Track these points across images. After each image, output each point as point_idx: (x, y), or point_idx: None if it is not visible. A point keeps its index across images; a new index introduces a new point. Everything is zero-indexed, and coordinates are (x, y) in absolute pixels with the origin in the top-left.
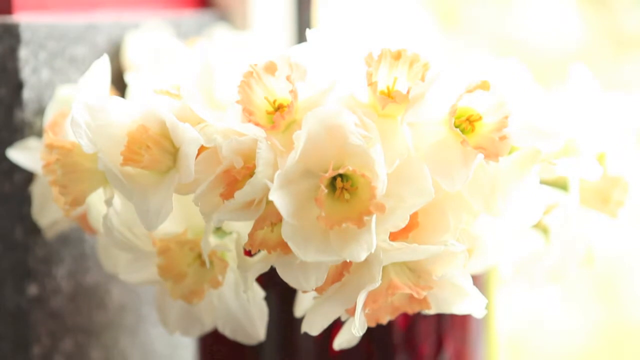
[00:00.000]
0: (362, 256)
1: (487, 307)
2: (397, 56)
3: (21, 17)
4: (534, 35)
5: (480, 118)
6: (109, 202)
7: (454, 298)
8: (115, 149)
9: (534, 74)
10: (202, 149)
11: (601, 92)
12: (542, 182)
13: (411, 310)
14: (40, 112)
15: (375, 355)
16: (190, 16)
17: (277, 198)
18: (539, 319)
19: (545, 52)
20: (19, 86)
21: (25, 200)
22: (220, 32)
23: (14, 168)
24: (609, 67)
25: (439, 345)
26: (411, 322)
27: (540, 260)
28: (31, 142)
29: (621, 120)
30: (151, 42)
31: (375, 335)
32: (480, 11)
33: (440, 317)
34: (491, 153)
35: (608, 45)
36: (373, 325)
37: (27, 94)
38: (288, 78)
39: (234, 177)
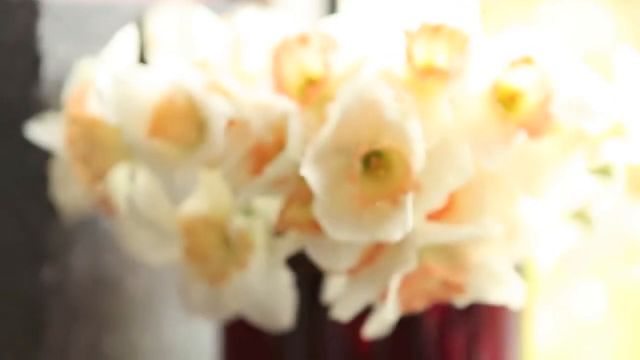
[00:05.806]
0: (397, 236)
1: (525, 303)
2: (437, 30)
3: None
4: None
5: (523, 94)
6: (132, 178)
7: (491, 285)
8: (141, 121)
9: None
10: (230, 122)
11: None
12: (588, 169)
13: (445, 296)
14: (59, 87)
15: (405, 345)
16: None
17: (310, 174)
18: (583, 328)
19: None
20: (36, 60)
21: (41, 179)
22: (249, 12)
23: (30, 146)
24: None
25: (471, 342)
26: (444, 316)
27: (582, 255)
28: (50, 118)
29: None
30: (177, 16)
31: (405, 325)
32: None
33: (474, 314)
34: (534, 131)
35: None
36: (406, 311)
37: (45, 68)
38: (321, 50)
39: (264, 152)
